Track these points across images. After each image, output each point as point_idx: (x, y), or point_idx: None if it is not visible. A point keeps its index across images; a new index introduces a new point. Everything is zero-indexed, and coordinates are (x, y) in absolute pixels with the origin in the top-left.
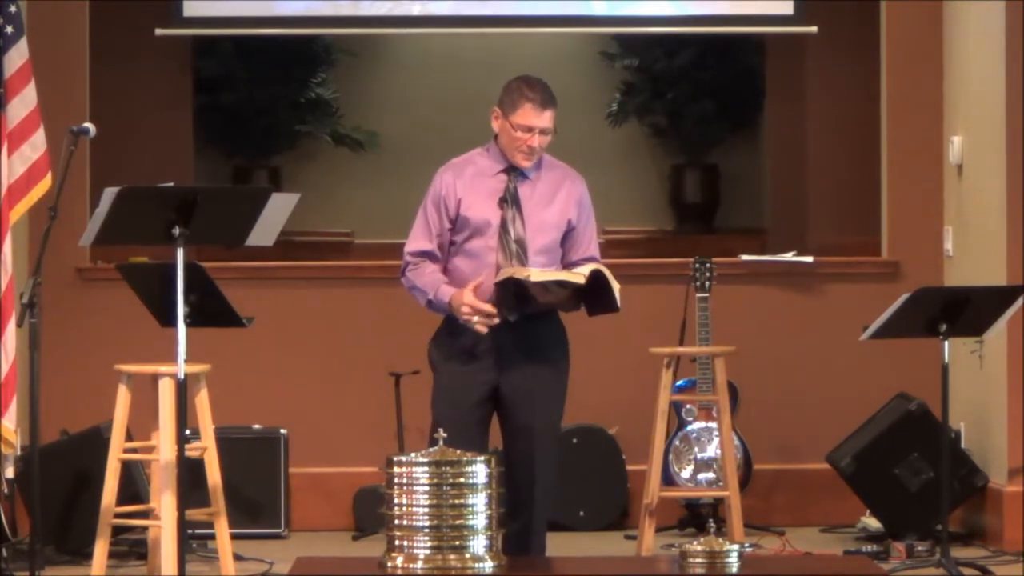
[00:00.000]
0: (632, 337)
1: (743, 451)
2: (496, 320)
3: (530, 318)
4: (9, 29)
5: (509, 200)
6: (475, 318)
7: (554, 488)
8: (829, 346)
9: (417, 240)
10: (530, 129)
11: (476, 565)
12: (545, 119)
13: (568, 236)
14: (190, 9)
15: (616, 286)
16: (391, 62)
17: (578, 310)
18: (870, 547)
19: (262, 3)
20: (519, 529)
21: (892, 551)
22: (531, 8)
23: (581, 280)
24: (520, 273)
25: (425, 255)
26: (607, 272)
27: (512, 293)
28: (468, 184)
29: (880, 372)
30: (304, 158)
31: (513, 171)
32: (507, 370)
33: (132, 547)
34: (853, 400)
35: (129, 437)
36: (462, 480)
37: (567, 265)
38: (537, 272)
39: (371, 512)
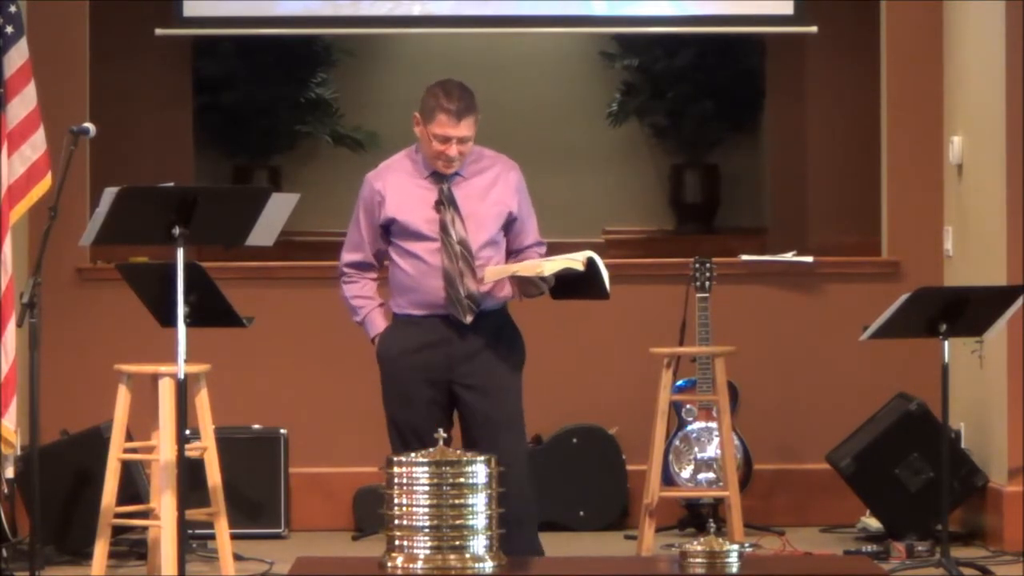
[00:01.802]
0: (632, 337)
1: (743, 451)
2: None
3: (481, 314)
4: (9, 29)
5: (445, 203)
6: None
7: (525, 478)
8: (829, 346)
9: (349, 251)
10: (446, 139)
11: (476, 565)
12: (462, 129)
13: (511, 226)
14: (190, 9)
15: (606, 273)
16: (391, 62)
17: (542, 295)
18: (870, 547)
19: (262, 3)
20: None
21: (892, 551)
22: (531, 8)
23: (580, 267)
24: (530, 270)
25: (358, 266)
26: (598, 259)
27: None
28: (399, 191)
29: (880, 372)
30: (304, 158)
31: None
32: (461, 369)
33: (132, 547)
34: (853, 400)
35: (129, 437)
36: (462, 480)
37: (514, 253)
38: (550, 266)
39: (371, 512)
